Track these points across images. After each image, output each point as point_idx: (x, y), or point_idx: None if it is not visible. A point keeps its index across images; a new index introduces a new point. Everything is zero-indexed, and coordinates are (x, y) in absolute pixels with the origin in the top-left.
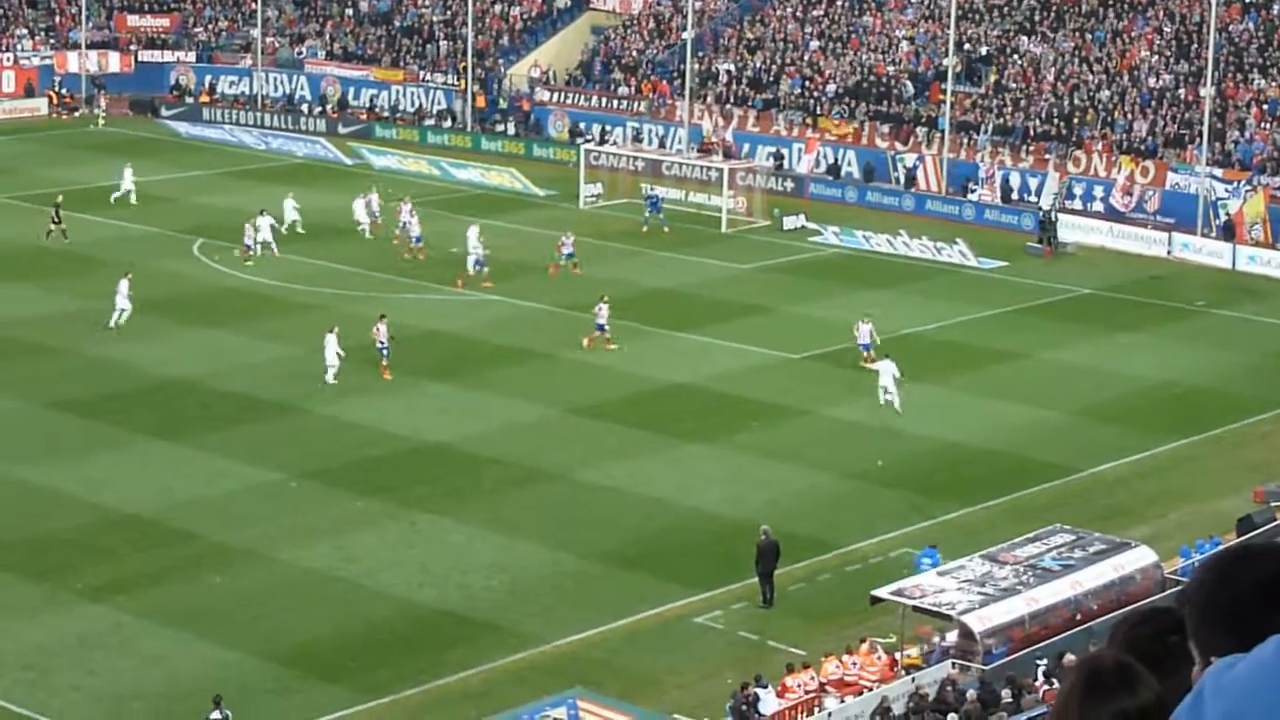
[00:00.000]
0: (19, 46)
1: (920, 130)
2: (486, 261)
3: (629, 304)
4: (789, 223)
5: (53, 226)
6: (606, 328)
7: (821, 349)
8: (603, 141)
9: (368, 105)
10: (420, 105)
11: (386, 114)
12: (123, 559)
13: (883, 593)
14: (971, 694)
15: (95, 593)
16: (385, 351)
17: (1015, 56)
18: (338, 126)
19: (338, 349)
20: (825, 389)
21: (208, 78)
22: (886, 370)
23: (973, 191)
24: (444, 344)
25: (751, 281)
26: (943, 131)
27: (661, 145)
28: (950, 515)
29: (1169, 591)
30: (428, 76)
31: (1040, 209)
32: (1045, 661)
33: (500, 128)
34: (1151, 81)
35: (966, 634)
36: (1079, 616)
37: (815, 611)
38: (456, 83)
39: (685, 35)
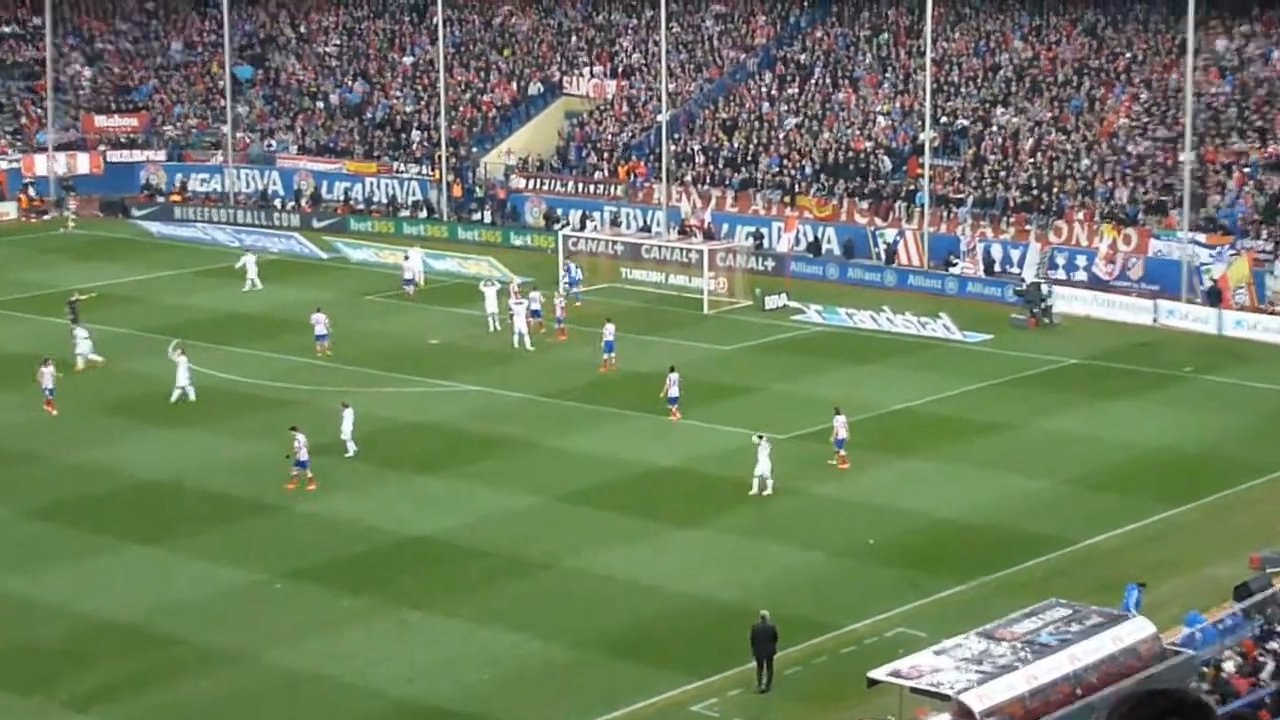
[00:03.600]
0: None
1: (899, 205)
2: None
3: (610, 387)
4: (771, 302)
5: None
6: (677, 399)
7: (808, 428)
8: (583, 226)
9: (342, 198)
10: (394, 196)
11: (361, 206)
12: (108, 667)
13: (880, 674)
14: None
15: (81, 703)
16: (304, 465)
17: (993, 128)
18: (312, 220)
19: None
20: (812, 468)
21: (178, 176)
22: (764, 453)
23: (954, 265)
24: (424, 436)
25: (735, 362)
26: (922, 206)
27: (645, 229)
28: (944, 593)
29: (1168, 663)
30: (401, 168)
31: (1023, 280)
32: None
33: (477, 216)
34: (1130, 148)
35: (966, 713)
36: (1079, 691)
37: (812, 695)
38: (431, 173)
39: (660, 118)
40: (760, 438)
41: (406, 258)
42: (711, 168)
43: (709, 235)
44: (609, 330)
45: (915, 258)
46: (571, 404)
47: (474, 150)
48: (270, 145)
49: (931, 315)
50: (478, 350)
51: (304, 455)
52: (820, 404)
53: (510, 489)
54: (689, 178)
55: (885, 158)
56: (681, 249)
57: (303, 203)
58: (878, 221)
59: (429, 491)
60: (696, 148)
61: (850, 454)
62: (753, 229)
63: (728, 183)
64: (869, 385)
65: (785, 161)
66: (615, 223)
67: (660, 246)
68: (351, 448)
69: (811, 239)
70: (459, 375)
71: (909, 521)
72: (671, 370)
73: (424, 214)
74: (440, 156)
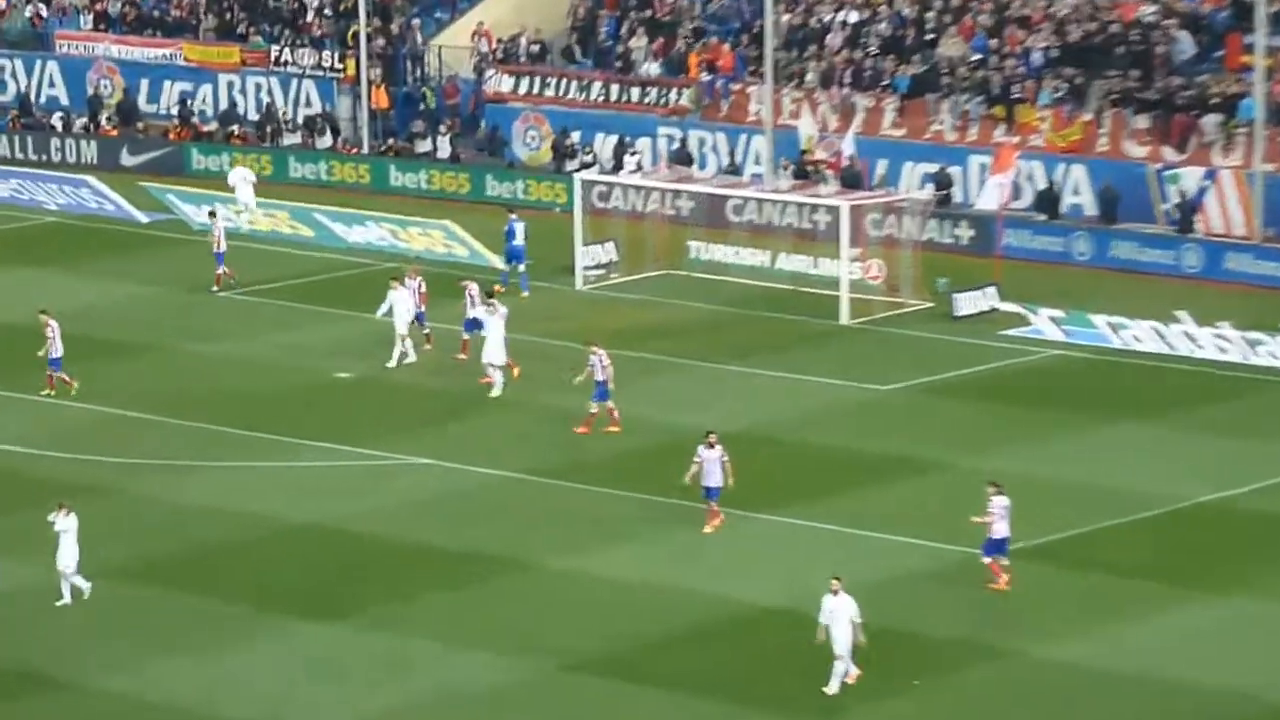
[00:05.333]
0: None
1: (1210, 123)
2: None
3: (668, 453)
4: (966, 302)
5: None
6: (715, 491)
7: (1040, 537)
8: (617, 166)
9: (175, 112)
10: (273, 109)
11: (210, 128)
12: None
13: None
14: None
15: None
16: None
17: None
18: (120, 153)
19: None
20: (1049, 605)
21: None
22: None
23: None
24: (320, 556)
25: (900, 414)
26: (1250, 124)
27: (732, 169)
28: None
29: None
30: (285, 55)
31: None
32: None
33: (424, 147)
34: None
35: None
36: None
37: None
38: (339, 65)
39: None
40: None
41: (233, 187)
42: (856, 56)
43: (850, 180)
44: (596, 360)
45: (1238, 221)
46: (580, 487)
47: (416, 24)
48: (41, 13)
49: (1270, 330)
50: (420, 389)
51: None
52: (1064, 494)
53: (496, 648)
54: (813, 76)
55: (1181, 34)
56: (800, 206)
57: (103, 120)
58: (1165, 154)
59: (330, 649)
60: (828, 19)
61: (1099, 572)
62: (933, 169)
63: (885, 83)
64: (1147, 458)
65: (993, 45)
66: (679, 157)
67: (761, 201)
68: (70, 588)
69: (1043, 187)
70: (383, 439)
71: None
72: (709, 444)
73: (326, 140)
74: (356, 34)
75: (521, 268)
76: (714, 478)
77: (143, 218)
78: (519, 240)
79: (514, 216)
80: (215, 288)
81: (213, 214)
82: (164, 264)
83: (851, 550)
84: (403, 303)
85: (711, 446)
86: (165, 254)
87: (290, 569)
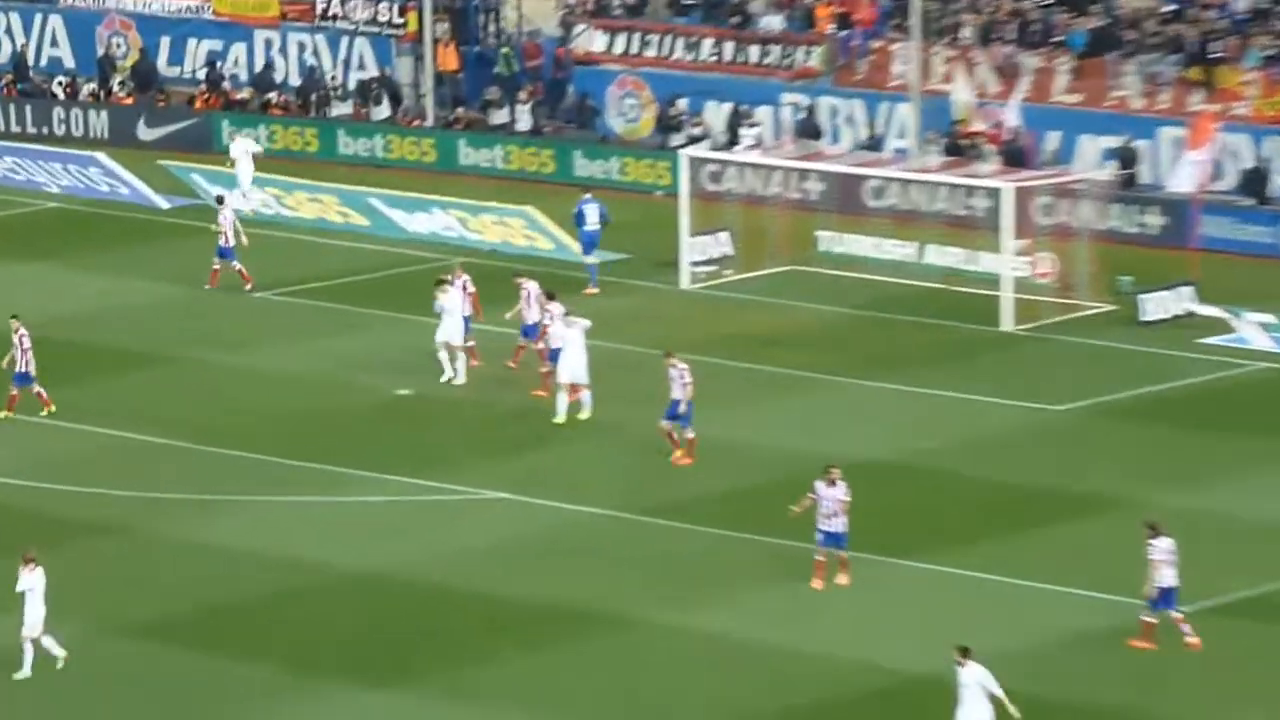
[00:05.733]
0: None
1: None
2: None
3: (788, 488)
4: (1154, 305)
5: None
6: (837, 537)
7: (1239, 590)
8: (732, 141)
9: (201, 77)
10: (319, 73)
11: (244, 95)
12: None
13: None
14: None
15: None
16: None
17: None
18: (136, 125)
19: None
20: (1246, 669)
21: None
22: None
23: None
24: (389, 598)
25: (1073, 440)
26: None
27: (870, 143)
28: None
29: None
30: (334, 8)
31: None
32: None
33: (499, 118)
34: None
35: None
36: None
37: None
38: (398, 20)
39: None
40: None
41: (232, 163)
42: (1022, 7)
43: (1015, 157)
44: (676, 375)
45: None
46: (683, 527)
47: None
48: None
49: None
50: (486, 413)
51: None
52: (1272, 537)
53: None
54: (969, 31)
55: None
56: (953, 189)
57: (116, 86)
58: None
59: None
60: None
61: None
62: (1115, 144)
63: (1058, 40)
64: None
65: None
66: (806, 130)
67: (906, 182)
68: (32, 658)
69: (1249, 165)
70: (450, 468)
71: None
72: (829, 479)
73: (382, 110)
74: None
75: (591, 258)
76: (836, 521)
77: (162, 203)
78: (592, 224)
79: (587, 196)
80: (246, 286)
81: (220, 200)
82: (187, 259)
83: (1010, 604)
84: (455, 309)
85: (833, 483)
86: (189, 247)
87: (341, 625)
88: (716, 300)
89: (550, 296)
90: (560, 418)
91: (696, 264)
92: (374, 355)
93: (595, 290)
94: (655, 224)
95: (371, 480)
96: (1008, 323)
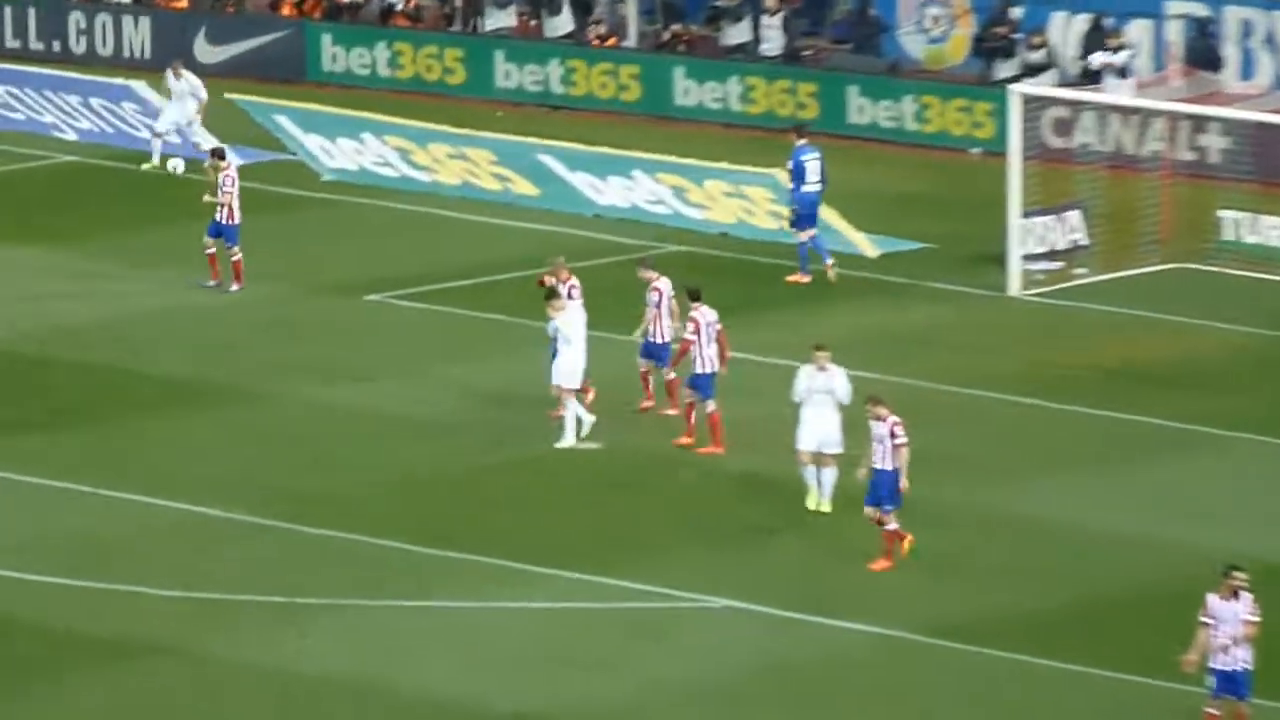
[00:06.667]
0: None
1: None
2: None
3: (1177, 601)
4: None
5: None
6: None
7: None
8: (1088, 72)
9: None
10: None
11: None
12: None
13: None
14: None
15: None
16: None
17: None
18: (193, 42)
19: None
20: None
21: None
22: None
23: None
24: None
25: None
26: None
27: None
28: None
29: None
30: None
31: None
32: None
33: (735, 36)
34: None
35: None
36: None
37: None
38: None
39: None
40: None
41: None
42: None
43: None
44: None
45: None
46: (994, 655)
47: None
48: None
49: None
50: (713, 472)
51: None
52: None
53: None
54: None
55: None
56: None
57: None
58: None
59: None
60: None
61: None
62: None
63: None
64: None
65: None
66: (1202, 56)
67: None
68: None
69: None
70: (656, 560)
71: None
72: (1230, 589)
73: (563, 23)
74: None
75: (806, 235)
76: (1237, 654)
77: (219, 149)
78: (813, 183)
79: (803, 142)
80: (234, 286)
81: (219, 155)
82: (264, 241)
83: None
84: (577, 328)
85: (1234, 595)
86: (268, 225)
87: None
88: (1062, 313)
89: (694, 297)
90: (818, 502)
91: (1032, 258)
92: (538, 389)
93: (803, 278)
94: (970, 198)
95: (536, 577)
96: None
